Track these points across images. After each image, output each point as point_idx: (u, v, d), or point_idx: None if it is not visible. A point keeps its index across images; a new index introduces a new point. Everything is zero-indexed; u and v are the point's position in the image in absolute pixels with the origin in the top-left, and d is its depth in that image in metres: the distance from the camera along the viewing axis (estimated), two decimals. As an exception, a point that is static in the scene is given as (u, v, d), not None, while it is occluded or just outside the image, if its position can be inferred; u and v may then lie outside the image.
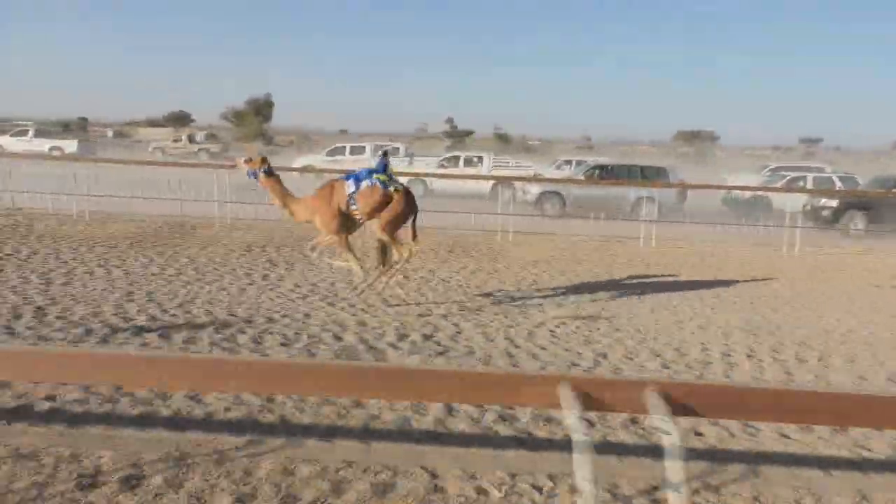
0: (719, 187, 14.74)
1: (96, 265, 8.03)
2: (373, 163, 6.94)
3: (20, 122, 38.65)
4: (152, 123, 68.18)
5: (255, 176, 6.83)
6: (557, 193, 17.44)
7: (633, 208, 17.17)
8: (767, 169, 26.50)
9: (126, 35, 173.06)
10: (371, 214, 6.55)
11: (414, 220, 6.77)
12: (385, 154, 6.93)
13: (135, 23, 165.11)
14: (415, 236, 6.84)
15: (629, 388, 1.56)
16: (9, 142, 31.81)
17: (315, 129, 64.44)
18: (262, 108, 58.29)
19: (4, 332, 5.15)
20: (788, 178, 20.90)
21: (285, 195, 6.84)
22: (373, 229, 6.80)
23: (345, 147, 25.28)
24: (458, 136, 68.16)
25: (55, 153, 30.86)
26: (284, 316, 6.05)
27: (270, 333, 5.46)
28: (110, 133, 42.47)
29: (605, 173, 17.93)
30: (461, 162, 22.23)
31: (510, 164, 22.62)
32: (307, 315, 6.13)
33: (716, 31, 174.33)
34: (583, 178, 17.77)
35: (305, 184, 13.10)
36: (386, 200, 6.49)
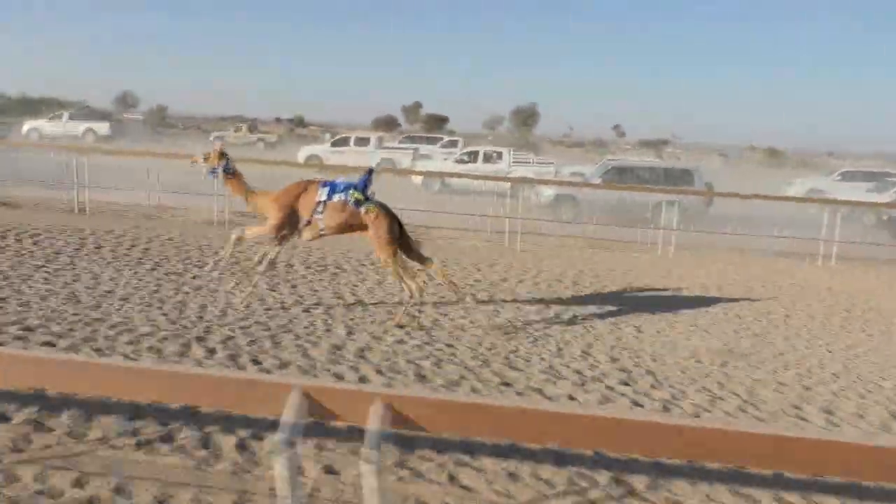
0: (745, 196, 12.87)
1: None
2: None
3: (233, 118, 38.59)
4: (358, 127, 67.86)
5: (215, 174, 6.43)
6: (575, 196, 15.99)
7: (654, 213, 15.55)
8: (838, 173, 24.17)
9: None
10: (336, 230, 6.22)
11: (406, 239, 6.32)
12: (370, 172, 6.40)
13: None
14: (422, 259, 6.39)
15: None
16: (45, 125, 33.24)
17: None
18: (527, 118, 59.69)
19: None
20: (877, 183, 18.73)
21: (248, 192, 6.45)
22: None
23: (349, 138, 25.15)
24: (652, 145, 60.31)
25: (89, 136, 32.25)
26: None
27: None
28: (327, 136, 42.12)
29: (625, 175, 16.34)
30: (480, 157, 21.28)
31: (531, 162, 21.26)
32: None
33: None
34: (599, 180, 16.18)
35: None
36: (353, 220, 6.10)
